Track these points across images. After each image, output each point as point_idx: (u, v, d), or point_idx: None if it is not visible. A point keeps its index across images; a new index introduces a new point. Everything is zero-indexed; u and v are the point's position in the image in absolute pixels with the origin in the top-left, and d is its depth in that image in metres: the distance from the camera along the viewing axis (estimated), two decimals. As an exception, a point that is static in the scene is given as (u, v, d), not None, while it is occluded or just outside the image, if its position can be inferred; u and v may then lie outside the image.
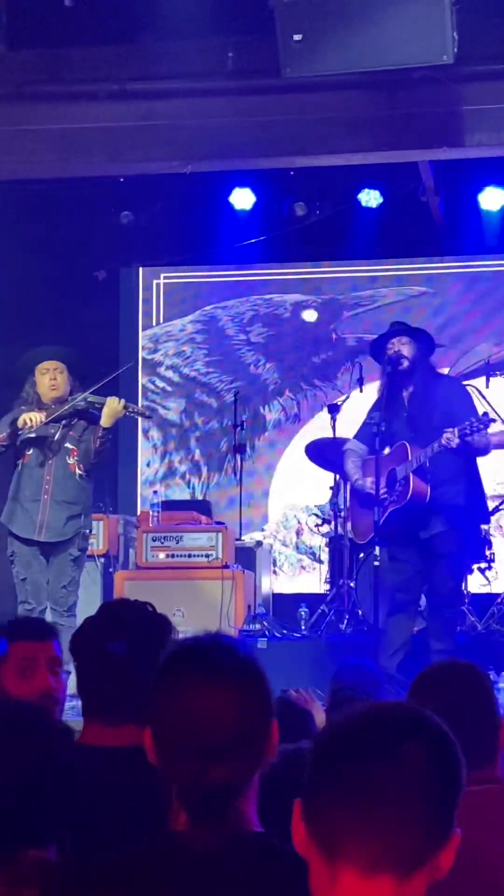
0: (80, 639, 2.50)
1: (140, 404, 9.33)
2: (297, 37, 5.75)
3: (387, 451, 6.05)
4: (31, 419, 6.26)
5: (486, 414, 6.00)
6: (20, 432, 6.28)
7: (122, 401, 6.37)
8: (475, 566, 7.68)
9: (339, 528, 7.82)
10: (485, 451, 6.13)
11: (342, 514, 7.74)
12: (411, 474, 5.95)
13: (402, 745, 1.41)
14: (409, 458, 5.98)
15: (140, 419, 8.70)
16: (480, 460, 6.31)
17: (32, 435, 6.28)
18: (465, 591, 7.41)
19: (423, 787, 1.40)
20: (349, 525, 7.16)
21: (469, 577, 7.65)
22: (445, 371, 8.88)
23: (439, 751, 1.44)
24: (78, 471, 6.36)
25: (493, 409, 7.85)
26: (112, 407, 6.30)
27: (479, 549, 7.58)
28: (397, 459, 6.02)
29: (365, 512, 6.26)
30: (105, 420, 6.30)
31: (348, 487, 6.92)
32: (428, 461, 5.94)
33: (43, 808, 1.85)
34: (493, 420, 6.09)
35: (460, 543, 6.15)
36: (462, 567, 6.49)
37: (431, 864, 1.41)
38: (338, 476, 7.74)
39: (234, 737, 1.68)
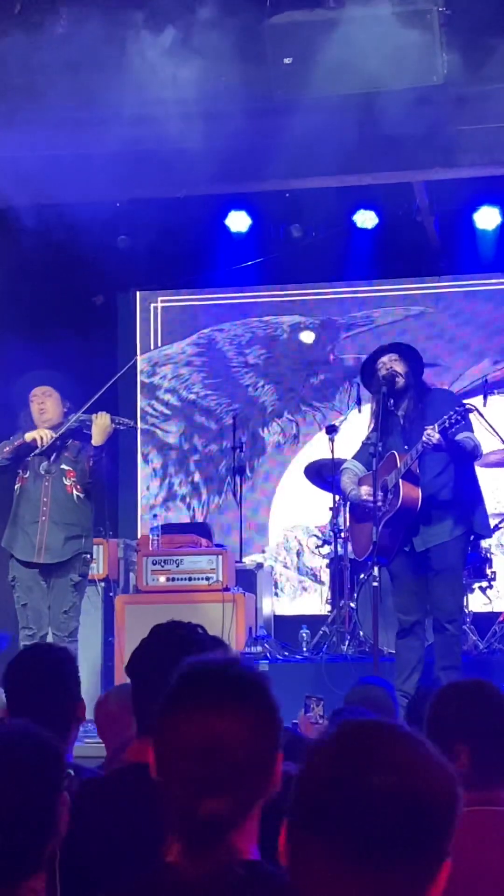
0: (137, 660, 2.52)
1: (139, 428, 9.33)
2: (287, 59, 5.77)
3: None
4: (43, 436, 6.26)
5: (463, 404, 5.80)
6: (35, 450, 6.28)
7: (109, 415, 6.35)
8: (476, 585, 7.66)
9: (340, 549, 7.81)
10: (474, 452, 5.95)
11: (342, 534, 7.73)
12: (401, 480, 5.89)
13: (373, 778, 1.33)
14: (398, 465, 5.95)
15: (139, 441, 8.69)
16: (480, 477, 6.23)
17: (39, 452, 6.28)
18: (465, 608, 7.37)
19: (402, 822, 1.31)
20: (349, 545, 7.13)
21: (470, 595, 7.63)
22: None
23: (416, 780, 1.34)
24: (76, 492, 6.36)
25: (492, 428, 7.84)
26: (100, 423, 6.29)
27: (479, 567, 7.57)
28: (387, 469, 5.99)
29: (363, 526, 6.23)
30: (96, 437, 6.28)
31: (348, 506, 6.90)
32: (417, 466, 5.86)
33: (20, 842, 1.83)
34: (472, 409, 5.90)
35: (455, 556, 6.02)
36: (461, 581, 6.28)
37: None
38: (337, 497, 7.73)
39: (234, 769, 1.61)
